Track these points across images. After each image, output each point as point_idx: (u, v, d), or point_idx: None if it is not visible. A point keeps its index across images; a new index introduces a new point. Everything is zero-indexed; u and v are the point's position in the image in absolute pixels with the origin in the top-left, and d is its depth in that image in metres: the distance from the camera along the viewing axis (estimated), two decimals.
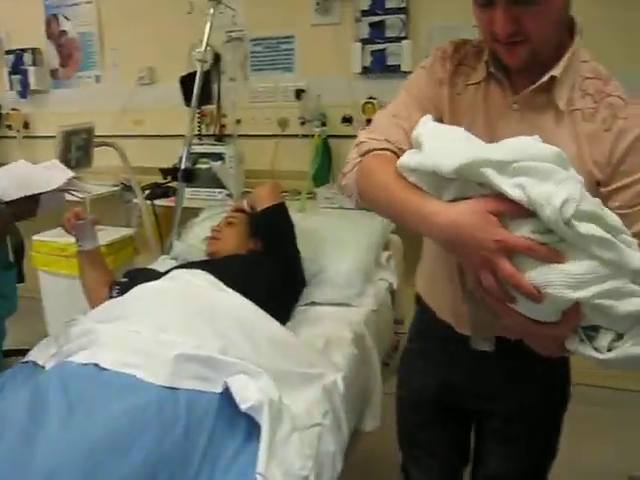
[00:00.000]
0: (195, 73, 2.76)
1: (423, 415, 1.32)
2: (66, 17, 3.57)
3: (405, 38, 2.64)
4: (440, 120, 1.05)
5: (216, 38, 2.74)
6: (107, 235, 2.91)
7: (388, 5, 2.65)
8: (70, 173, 1.89)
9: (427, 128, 0.93)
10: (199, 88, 2.34)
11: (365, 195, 1.04)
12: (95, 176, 3.26)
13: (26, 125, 3.79)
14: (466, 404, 1.27)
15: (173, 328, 1.37)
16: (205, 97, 3.07)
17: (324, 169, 2.77)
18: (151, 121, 3.31)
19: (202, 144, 3.04)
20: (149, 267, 2.19)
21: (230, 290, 1.55)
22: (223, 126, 3.04)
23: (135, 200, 2.97)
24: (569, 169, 0.82)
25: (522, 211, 0.79)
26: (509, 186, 0.80)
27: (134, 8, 3.25)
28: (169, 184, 2.80)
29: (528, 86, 1.00)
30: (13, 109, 3.81)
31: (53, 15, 3.61)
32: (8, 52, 3.75)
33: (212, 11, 2.32)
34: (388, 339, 2.04)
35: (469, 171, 0.82)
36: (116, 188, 3.32)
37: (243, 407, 1.13)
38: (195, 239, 2.18)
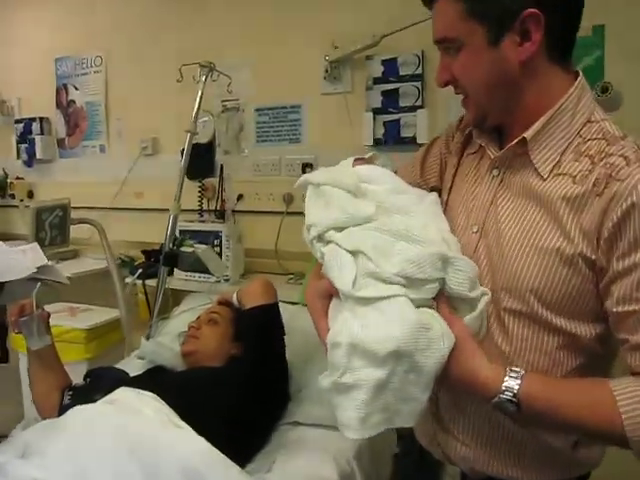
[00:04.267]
0: (198, 145, 2.59)
1: None
2: (75, 87, 3.47)
3: (421, 107, 2.38)
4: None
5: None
6: (94, 317, 2.68)
7: (402, 72, 2.40)
8: (42, 260, 1.66)
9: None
10: (186, 162, 2.10)
11: None
12: (95, 249, 3.10)
13: (30, 194, 3.65)
14: None
15: (95, 478, 1.07)
16: (206, 169, 2.88)
17: None
18: (152, 193, 3.10)
19: (203, 221, 2.82)
20: (116, 366, 1.90)
21: (183, 425, 1.24)
22: (225, 201, 2.79)
23: (127, 280, 2.72)
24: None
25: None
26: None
27: (140, 77, 3.12)
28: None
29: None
30: (17, 178, 3.69)
31: (63, 85, 3.52)
32: (17, 121, 3.67)
33: (204, 79, 2.11)
34: (388, 469, 1.66)
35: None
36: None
37: None
38: (168, 334, 1.88)
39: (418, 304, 0.87)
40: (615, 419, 0.76)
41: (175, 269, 2.47)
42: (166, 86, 2.69)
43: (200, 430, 1.26)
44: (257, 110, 2.74)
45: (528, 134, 0.91)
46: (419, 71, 2.37)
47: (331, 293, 0.93)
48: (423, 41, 2.33)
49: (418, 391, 0.84)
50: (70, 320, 2.63)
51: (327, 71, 2.54)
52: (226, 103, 2.59)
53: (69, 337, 2.53)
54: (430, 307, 0.89)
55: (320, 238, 0.96)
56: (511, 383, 0.82)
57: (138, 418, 1.23)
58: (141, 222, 3.16)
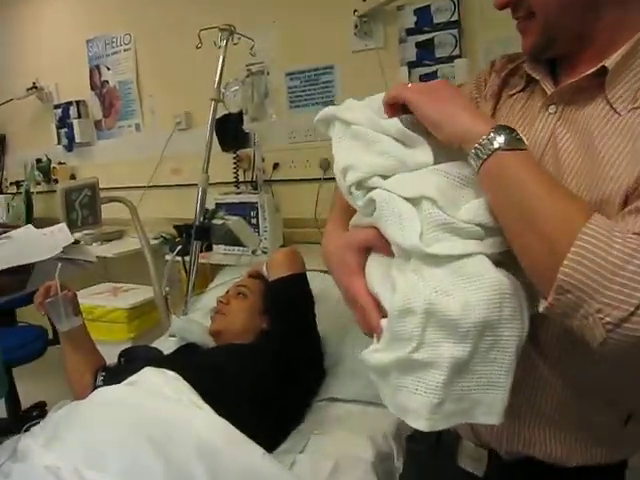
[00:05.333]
0: (231, 115, 2.50)
1: None
2: (107, 67, 3.44)
3: (459, 57, 2.20)
4: None
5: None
6: (136, 296, 2.66)
7: (437, 20, 2.23)
8: (68, 240, 1.61)
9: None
10: (211, 132, 2.03)
11: None
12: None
13: (73, 178, 3.67)
14: None
15: (110, 464, 1.01)
16: (240, 140, 2.79)
17: None
18: (189, 169, 3.04)
19: (239, 192, 2.74)
20: (152, 345, 1.86)
21: (204, 405, 1.17)
22: (260, 171, 2.69)
23: (167, 257, 2.68)
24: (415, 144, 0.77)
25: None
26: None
27: (168, 50, 3.04)
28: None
29: None
30: (60, 163, 3.72)
31: (96, 66, 3.50)
32: (56, 106, 3.69)
33: (225, 43, 2.00)
34: None
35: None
36: (156, 241, 3.07)
37: None
38: (201, 310, 1.82)
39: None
40: (562, 244, 0.64)
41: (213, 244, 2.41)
42: (193, 56, 2.59)
43: (225, 412, 1.18)
44: (288, 74, 2.63)
45: (609, 63, 0.76)
46: (455, 17, 2.19)
47: (369, 246, 0.78)
48: None
49: (501, 374, 0.69)
50: (112, 300, 2.63)
51: (357, 26, 2.39)
52: (250, 67, 2.48)
53: (112, 317, 2.53)
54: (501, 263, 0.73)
55: (360, 185, 0.78)
56: (498, 139, 0.70)
57: (156, 399, 1.17)
58: (180, 198, 3.11)
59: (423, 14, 2.26)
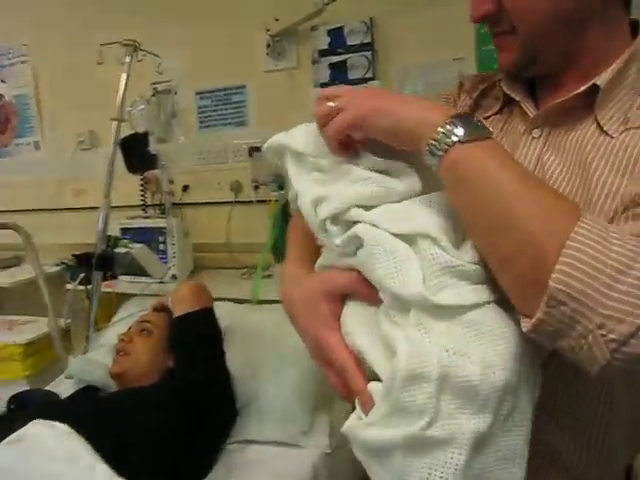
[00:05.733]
0: (137, 134, 2.37)
1: None
2: (2, 80, 3.20)
3: (372, 79, 2.18)
4: None
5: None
6: (33, 329, 2.44)
7: (350, 42, 2.20)
8: None
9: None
10: (114, 153, 1.90)
11: None
12: (39, 254, 2.86)
13: None
14: None
15: None
16: (147, 161, 2.65)
17: (284, 240, 2.28)
18: (93, 191, 2.86)
19: (147, 217, 2.60)
20: (46, 388, 1.69)
21: (98, 465, 1.04)
22: (168, 194, 2.56)
23: (68, 286, 2.49)
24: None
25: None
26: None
27: (70, 63, 2.85)
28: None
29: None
30: None
31: None
32: None
33: (129, 60, 1.88)
34: None
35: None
36: (57, 268, 2.85)
37: None
38: (103, 347, 1.68)
39: None
40: (550, 247, 0.53)
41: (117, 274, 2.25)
42: (96, 73, 2.45)
43: (127, 469, 1.06)
44: (198, 93, 2.52)
45: (601, 81, 0.71)
46: (368, 39, 2.17)
47: (345, 293, 0.67)
48: (371, 6, 2.16)
49: (518, 444, 0.58)
50: (7, 334, 2.41)
51: (269, 46, 2.33)
52: (157, 86, 2.36)
53: (5, 353, 2.31)
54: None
55: (336, 219, 0.66)
56: (456, 131, 0.59)
57: (43, 462, 1.03)
58: (83, 222, 2.90)
59: (336, 35, 2.23)
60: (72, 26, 2.81)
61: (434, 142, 0.59)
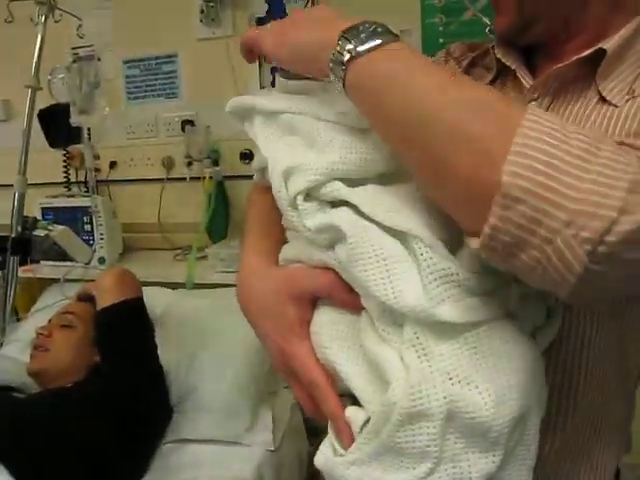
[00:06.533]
0: (58, 105, 2.17)
1: None
2: None
3: None
4: None
5: None
6: None
7: (290, 7, 2.07)
8: None
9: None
10: (28, 125, 1.72)
11: None
12: None
13: None
14: None
15: None
16: (72, 135, 2.44)
17: (221, 219, 2.16)
18: (8, 167, 2.62)
19: (71, 195, 2.40)
20: None
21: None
22: (94, 171, 2.37)
23: None
24: None
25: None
26: None
27: None
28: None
29: None
30: None
31: None
32: None
33: (43, 19, 1.69)
34: None
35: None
36: None
37: None
38: (18, 342, 1.52)
39: None
40: (495, 138, 0.42)
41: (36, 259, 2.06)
42: (14, 35, 2.22)
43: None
44: (125, 62, 2.34)
45: (609, 46, 0.63)
46: (309, 5, 2.05)
47: (319, 296, 0.56)
48: None
49: (522, 473, 0.49)
50: None
51: (203, 12, 2.17)
52: (78, 51, 2.16)
53: None
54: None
55: (310, 195, 0.53)
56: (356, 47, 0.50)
57: None
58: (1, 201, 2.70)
59: (275, 2, 2.10)
60: None
61: (331, 65, 0.51)
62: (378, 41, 0.50)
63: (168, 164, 2.30)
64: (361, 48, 0.50)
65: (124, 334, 1.29)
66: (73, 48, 2.15)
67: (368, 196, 0.51)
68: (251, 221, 0.70)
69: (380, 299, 0.48)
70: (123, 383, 1.20)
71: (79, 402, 1.17)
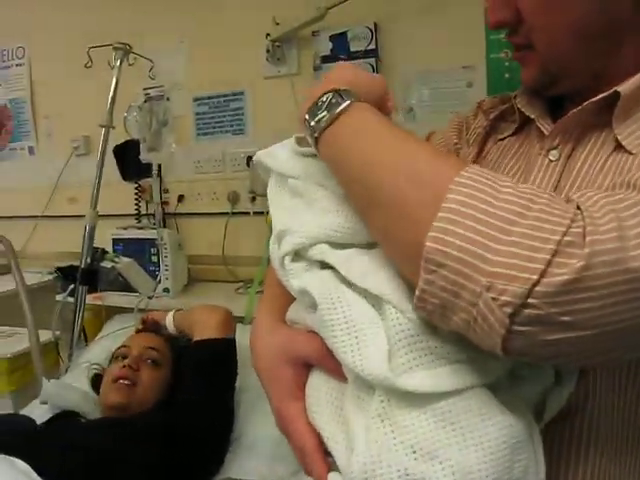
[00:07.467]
0: (131, 141, 2.28)
1: None
2: None
3: None
4: None
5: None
6: (21, 342, 2.33)
7: (353, 47, 2.10)
8: None
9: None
10: (101, 161, 1.83)
11: None
12: (30, 262, 2.79)
13: None
14: None
15: None
16: (143, 169, 2.56)
17: None
18: (87, 198, 2.77)
19: (141, 227, 2.50)
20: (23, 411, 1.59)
21: None
22: (166, 203, 2.47)
23: (58, 297, 2.39)
24: None
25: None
26: None
27: (67, 68, 2.76)
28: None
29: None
30: None
31: None
32: None
33: (119, 63, 1.79)
34: None
35: None
36: (49, 277, 2.76)
37: None
38: (81, 371, 1.57)
39: None
40: (425, 204, 0.43)
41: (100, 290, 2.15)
42: (95, 77, 2.36)
43: None
44: (195, 100, 2.43)
45: (623, 88, 0.59)
46: (372, 46, 2.07)
47: (310, 362, 0.58)
48: (375, 11, 2.06)
49: None
50: None
51: (269, 51, 2.23)
52: (149, 91, 2.27)
53: None
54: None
55: (298, 255, 0.56)
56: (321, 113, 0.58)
57: None
58: (78, 230, 2.84)
59: (339, 41, 2.13)
60: (69, 29, 2.73)
61: (309, 138, 0.58)
62: (334, 113, 0.55)
63: (233, 198, 2.36)
64: (320, 125, 0.56)
65: (221, 369, 1.32)
66: (145, 89, 2.27)
67: (346, 258, 0.52)
68: (269, 277, 0.72)
69: (349, 366, 0.48)
70: (207, 415, 1.21)
71: (144, 431, 1.18)
